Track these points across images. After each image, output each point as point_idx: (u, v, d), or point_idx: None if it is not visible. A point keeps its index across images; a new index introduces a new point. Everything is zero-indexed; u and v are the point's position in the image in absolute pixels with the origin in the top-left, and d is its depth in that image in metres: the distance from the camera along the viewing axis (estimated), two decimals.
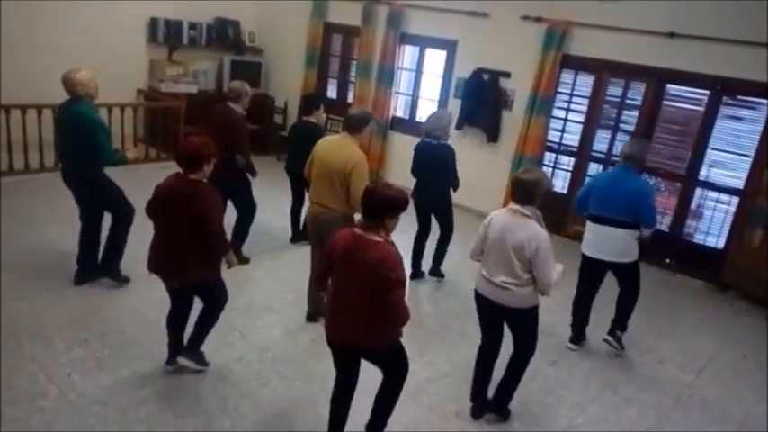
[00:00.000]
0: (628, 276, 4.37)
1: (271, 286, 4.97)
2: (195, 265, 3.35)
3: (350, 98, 8.62)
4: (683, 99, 6.21)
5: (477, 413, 3.58)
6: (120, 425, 3.18)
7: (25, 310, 4.13)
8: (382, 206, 2.73)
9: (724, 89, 5.82)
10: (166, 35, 8.04)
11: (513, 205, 3.28)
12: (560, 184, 7.06)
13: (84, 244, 4.59)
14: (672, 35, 5.90)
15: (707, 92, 5.94)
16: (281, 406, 3.50)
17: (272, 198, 6.63)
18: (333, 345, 2.97)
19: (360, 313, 2.77)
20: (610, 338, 4.45)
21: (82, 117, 4.16)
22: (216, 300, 3.59)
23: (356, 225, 2.82)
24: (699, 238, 6.29)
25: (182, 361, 3.60)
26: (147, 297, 4.48)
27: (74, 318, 4.12)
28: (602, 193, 4.23)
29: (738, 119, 5.89)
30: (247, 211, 5.23)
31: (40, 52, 6.83)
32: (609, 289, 4.50)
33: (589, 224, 4.33)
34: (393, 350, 2.93)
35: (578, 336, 4.56)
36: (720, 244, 6.10)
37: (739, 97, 5.84)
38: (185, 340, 3.68)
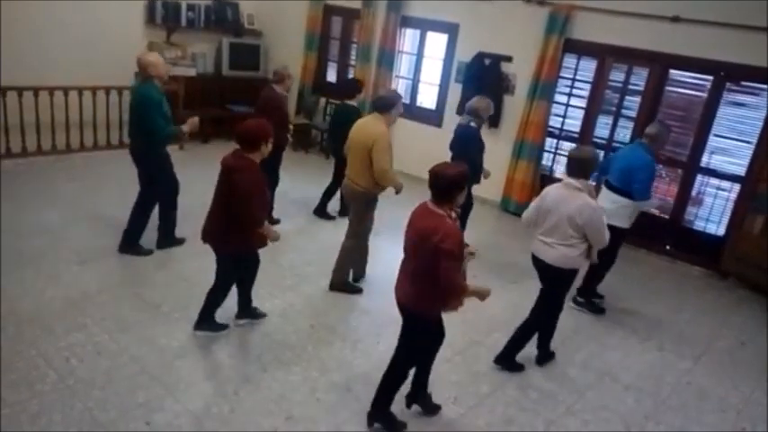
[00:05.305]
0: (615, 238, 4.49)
1: (270, 271, 4.95)
2: (226, 237, 3.66)
3: None
4: (686, 85, 6.15)
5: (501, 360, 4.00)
6: (119, 409, 3.19)
7: (24, 295, 4.12)
8: (447, 185, 2.95)
9: (728, 75, 5.77)
10: (164, 17, 7.93)
11: (566, 179, 3.71)
12: (561, 169, 7.03)
13: (160, 213, 4.92)
14: (676, 19, 5.83)
15: (710, 77, 5.89)
16: (279, 391, 3.50)
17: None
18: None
19: (410, 276, 3.03)
20: (578, 298, 4.90)
21: (142, 96, 4.49)
22: (223, 273, 3.82)
23: (429, 200, 3.02)
24: (699, 226, 6.27)
25: (198, 331, 3.90)
26: (146, 282, 4.49)
27: (72, 302, 4.12)
28: (615, 164, 4.75)
29: (741, 105, 5.85)
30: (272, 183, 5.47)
31: (38, 34, 6.74)
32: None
33: (603, 190, 4.72)
34: (427, 320, 3.13)
35: (591, 297, 4.96)
36: (721, 231, 6.08)
37: (743, 83, 5.78)
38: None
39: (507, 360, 3.97)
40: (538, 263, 3.86)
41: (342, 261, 4.69)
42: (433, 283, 2.92)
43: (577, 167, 3.68)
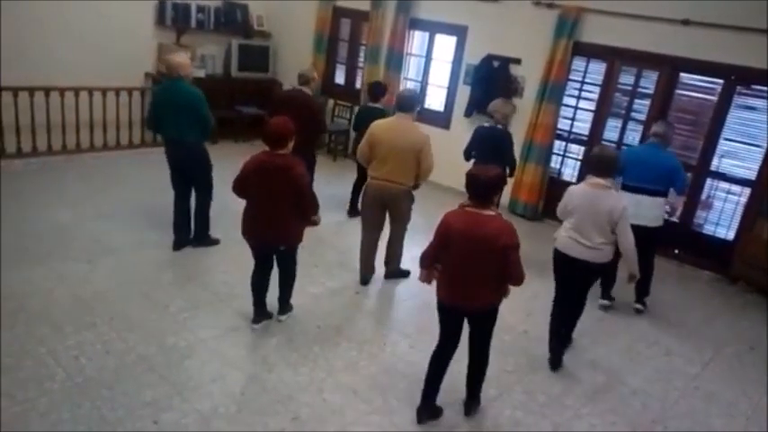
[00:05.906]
0: (654, 240, 4.82)
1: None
2: (294, 229, 3.93)
3: (358, 84, 8.57)
4: (696, 88, 6.11)
5: (556, 364, 4.07)
6: (127, 408, 3.20)
7: (33, 293, 4.15)
8: (489, 187, 3.06)
9: (738, 78, 5.73)
10: (174, 18, 7.99)
11: (592, 179, 3.82)
12: (569, 172, 7.01)
13: (182, 211, 5.01)
14: (686, 22, 5.80)
15: (721, 81, 5.85)
16: (286, 392, 3.51)
17: None
18: (444, 309, 3.29)
19: (481, 279, 3.13)
20: (639, 306, 5.04)
21: (192, 94, 4.71)
22: (294, 260, 4.14)
23: (465, 204, 3.12)
24: (709, 229, 6.23)
25: (281, 318, 4.20)
26: (154, 282, 4.51)
27: (81, 301, 4.14)
28: (639, 167, 4.73)
29: (752, 108, 5.80)
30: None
31: (48, 35, 6.81)
32: None
33: (625, 195, 4.63)
34: (495, 310, 3.31)
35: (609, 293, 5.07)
36: (730, 235, 6.04)
37: (753, 86, 5.74)
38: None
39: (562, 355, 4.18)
40: (571, 263, 3.91)
41: (394, 251, 4.97)
42: (497, 279, 3.13)
43: (603, 166, 3.80)
